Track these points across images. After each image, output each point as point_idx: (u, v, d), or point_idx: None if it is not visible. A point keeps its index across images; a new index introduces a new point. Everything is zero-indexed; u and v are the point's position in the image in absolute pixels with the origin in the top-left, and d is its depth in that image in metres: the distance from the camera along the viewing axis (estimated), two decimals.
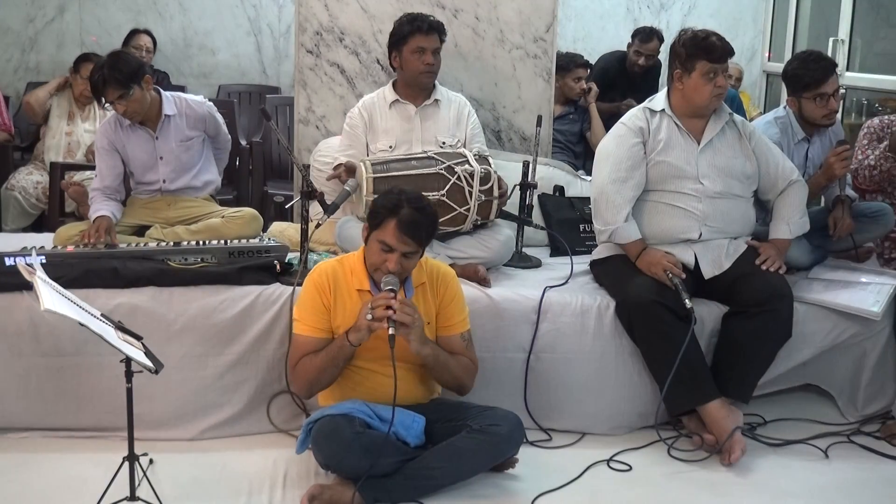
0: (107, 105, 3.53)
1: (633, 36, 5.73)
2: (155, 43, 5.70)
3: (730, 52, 3.24)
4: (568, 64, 5.10)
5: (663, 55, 5.80)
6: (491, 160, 3.47)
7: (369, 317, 2.57)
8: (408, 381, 2.78)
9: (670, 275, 3.11)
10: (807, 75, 3.53)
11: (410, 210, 2.64)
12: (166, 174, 3.62)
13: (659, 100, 3.36)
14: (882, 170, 3.74)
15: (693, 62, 3.21)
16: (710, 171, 3.27)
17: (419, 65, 3.54)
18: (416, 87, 3.61)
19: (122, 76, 3.39)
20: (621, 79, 5.65)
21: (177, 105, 3.61)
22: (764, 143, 3.39)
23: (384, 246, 2.65)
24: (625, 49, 5.81)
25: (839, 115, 4.14)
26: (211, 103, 3.75)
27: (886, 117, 3.93)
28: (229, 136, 3.90)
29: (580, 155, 5.19)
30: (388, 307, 2.55)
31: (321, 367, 2.69)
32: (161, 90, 3.62)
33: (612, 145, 3.31)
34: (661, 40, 5.69)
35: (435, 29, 3.57)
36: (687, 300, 3.05)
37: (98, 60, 3.54)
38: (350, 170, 3.43)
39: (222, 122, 3.80)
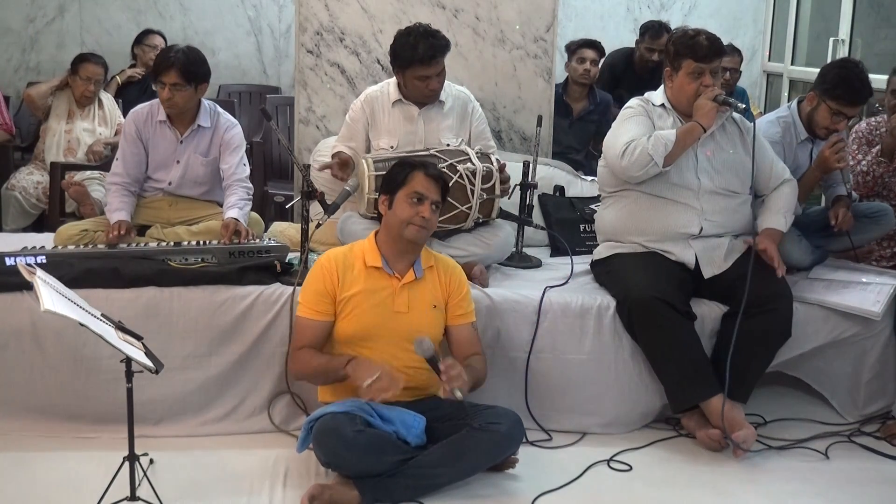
0: (154, 87, 3.53)
1: (643, 33, 5.52)
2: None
3: (719, 51, 3.22)
4: (571, 45, 5.03)
5: None
6: (493, 157, 3.46)
7: (368, 382, 2.56)
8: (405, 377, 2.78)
9: (717, 97, 3.16)
10: (841, 87, 3.41)
11: (430, 166, 2.83)
12: (175, 178, 3.62)
13: (657, 95, 3.37)
14: (875, 175, 3.74)
15: (680, 61, 3.22)
16: (709, 166, 3.28)
17: (423, 89, 3.48)
18: (421, 101, 3.58)
19: (191, 68, 3.46)
20: (628, 76, 5.56)
21: (212, 119, 3.61)
22: (759, 141, 3.38)
23: (416, 195, 2.74)
24: (629, 46, 5.67)
25: None
26: (240, 131, 3.66)
27: (873, 119, 3.92)
28: (244, 174, 3.60)
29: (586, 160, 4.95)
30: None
31: (314, 372, 2.77)
32: (204, 100, 3.60)
33: (624, 126, 3.25)
34: (671, 33, 5.61)
35: (436, 55, 3.40)
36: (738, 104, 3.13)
37: (173, 48, 3.51)
38: (343, 163, 3.43)
39: (243, 159, 3.63)
